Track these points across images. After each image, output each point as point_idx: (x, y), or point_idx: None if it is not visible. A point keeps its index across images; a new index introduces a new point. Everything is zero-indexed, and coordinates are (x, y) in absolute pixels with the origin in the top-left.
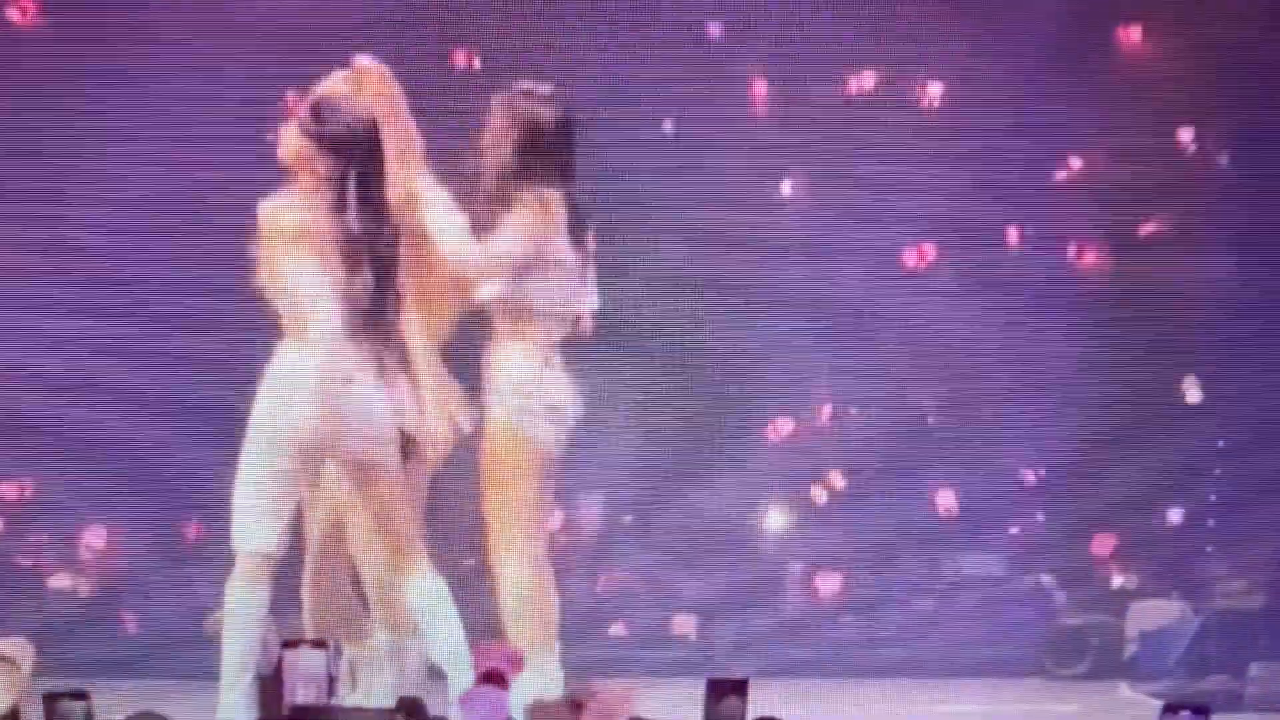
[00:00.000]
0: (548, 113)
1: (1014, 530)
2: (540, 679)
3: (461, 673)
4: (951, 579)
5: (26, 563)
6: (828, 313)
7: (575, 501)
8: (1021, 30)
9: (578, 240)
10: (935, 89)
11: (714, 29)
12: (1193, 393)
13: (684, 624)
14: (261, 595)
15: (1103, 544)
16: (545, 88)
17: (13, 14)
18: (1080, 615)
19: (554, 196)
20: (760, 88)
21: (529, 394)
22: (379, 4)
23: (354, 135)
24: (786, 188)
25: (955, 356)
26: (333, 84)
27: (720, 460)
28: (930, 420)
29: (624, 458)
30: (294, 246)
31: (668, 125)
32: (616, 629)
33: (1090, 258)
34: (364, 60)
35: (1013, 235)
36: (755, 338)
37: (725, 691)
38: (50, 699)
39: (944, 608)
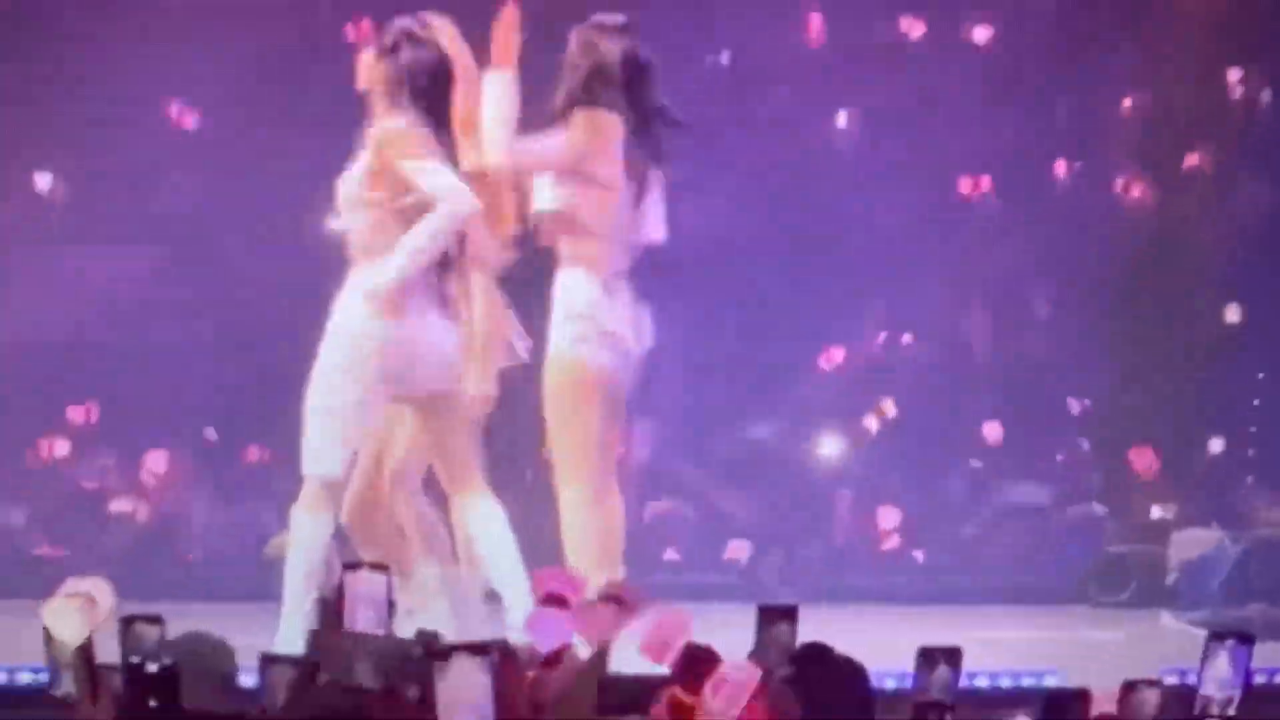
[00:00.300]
0: (616, 44)
1: (1058, 459)
2: None
3: (520, 598)
4: (998, 507)
5: (91, 486)
6: (881, 242)
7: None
8: None
9: (634, 169)
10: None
11: None
12: (1232, 317)
13: (737, 549)
14: (326, 520)
15: (1143, 459)
16: (616, 19)
17: None
18: (1123, 544)
19: (608, 120)
20: (816, 22)
21: (587, 319)
22: None
23: (425, 66)
24: (842, 119)
25: (1003, 287)
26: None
27: (775, 387)
28: (978, 351)
29: (678, 386)
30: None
31: (724, 57)
32: (670, 554)
33: (1135, 191)
34: (431, 16)
35: (1061, 169)
36: (807, 268)
37: (776, 618)
38: (126, 622)
39: (990, 535)
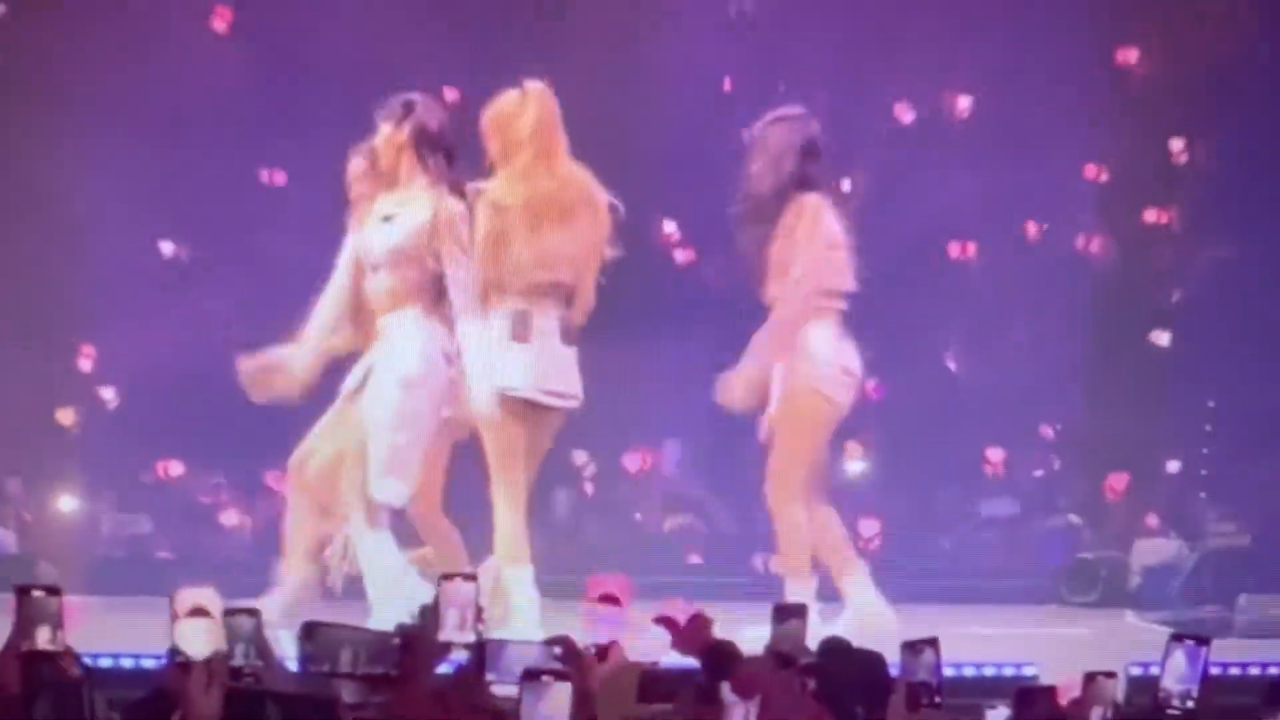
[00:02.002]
0: (811, 129)
1: (1036, 475)
2: (860, 601)
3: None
4: (980, 518)
5: (206, 500)
6: (884, 294)
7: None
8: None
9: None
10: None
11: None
12: (1181, 349)
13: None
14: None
15: (1116, 482)
16: (795, 110)
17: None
18: (1092, 550)
19: (813, 199)
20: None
21: (830, 361)
22: None
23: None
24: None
25: (983, 329)
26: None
27: None
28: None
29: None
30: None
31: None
32: (694, 558)
33: (1094, 246)
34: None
35: (1032, 229)
36: None
37: (788, 614)
38: (227, 614)
39: (973, 543)
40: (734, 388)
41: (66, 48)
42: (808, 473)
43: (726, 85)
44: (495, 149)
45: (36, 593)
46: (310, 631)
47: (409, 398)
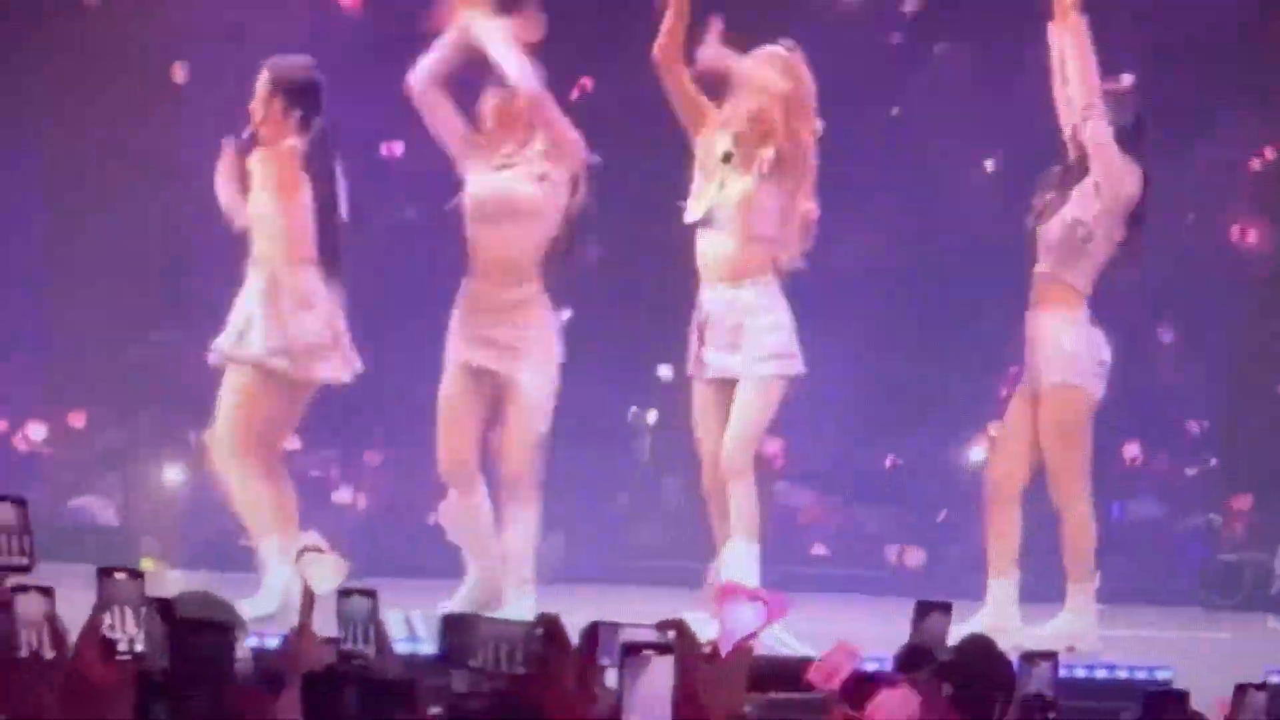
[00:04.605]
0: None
1: (1178, 473)
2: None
3: None
4: (1122, 517)
5: (317, 474)
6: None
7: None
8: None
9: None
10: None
11: None
12: None
13: (891, 550)
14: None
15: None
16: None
17: None
18: (1235, 552)
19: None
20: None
21: (1085, 355)
22: None
23: None
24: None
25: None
26: None
27: (923, 404)
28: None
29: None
30: None
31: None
32: (819, 549)
33: (1250, 237)
34: None
35: (1183, 217)
36: (959, 291)
37: (931, 611)
38: (343, 594)
39: (1108, 542)
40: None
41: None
42: (1084, 470)
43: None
44: None
45: (119, 575)
46: (453, 624)
47: None
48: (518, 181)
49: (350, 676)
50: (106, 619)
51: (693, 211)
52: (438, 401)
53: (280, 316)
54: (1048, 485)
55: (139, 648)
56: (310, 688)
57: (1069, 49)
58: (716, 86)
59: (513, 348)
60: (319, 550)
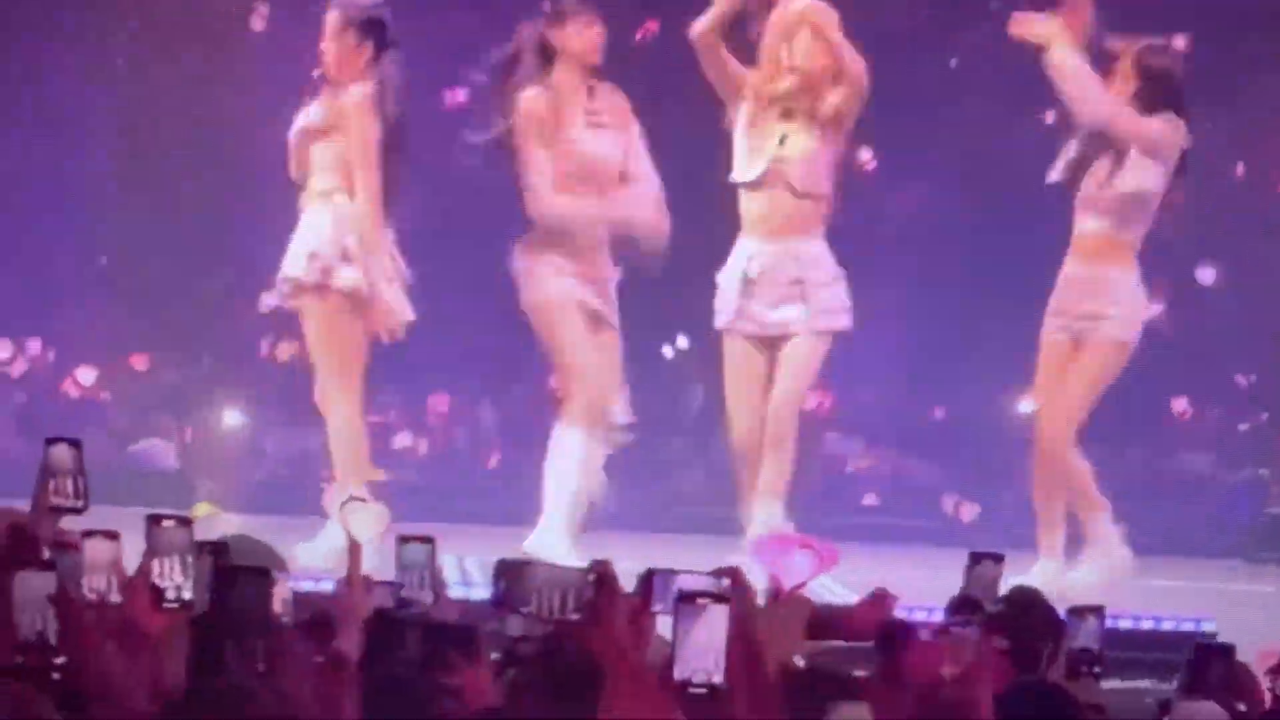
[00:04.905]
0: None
1: (1226, 427)
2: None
3: None
4: (1170, 470)
5: (377, 420)
6: None
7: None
8: None
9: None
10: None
11: None
12: None
13: (947, 502)
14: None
15: None
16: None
17: None
18: None
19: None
20: None
21: (1137, 312)
22: None
23: None
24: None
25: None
26: None
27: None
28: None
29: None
30: None
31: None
32: (870, 500)
33: None
34: None
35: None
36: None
37: (983, 561)
38: (401, 540)
39: (1155, 495)
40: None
41: None
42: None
43: None
44: None
45: (166, 523)
46: (507, 569)
47: None
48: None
49: (413, 621)
50: (155, 567)
51: (746, 170)
52: None
53: (341, 254)
54: (1036, 422)
55: (186, 595)
56: (373, 632)
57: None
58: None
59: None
60: (362, 500)
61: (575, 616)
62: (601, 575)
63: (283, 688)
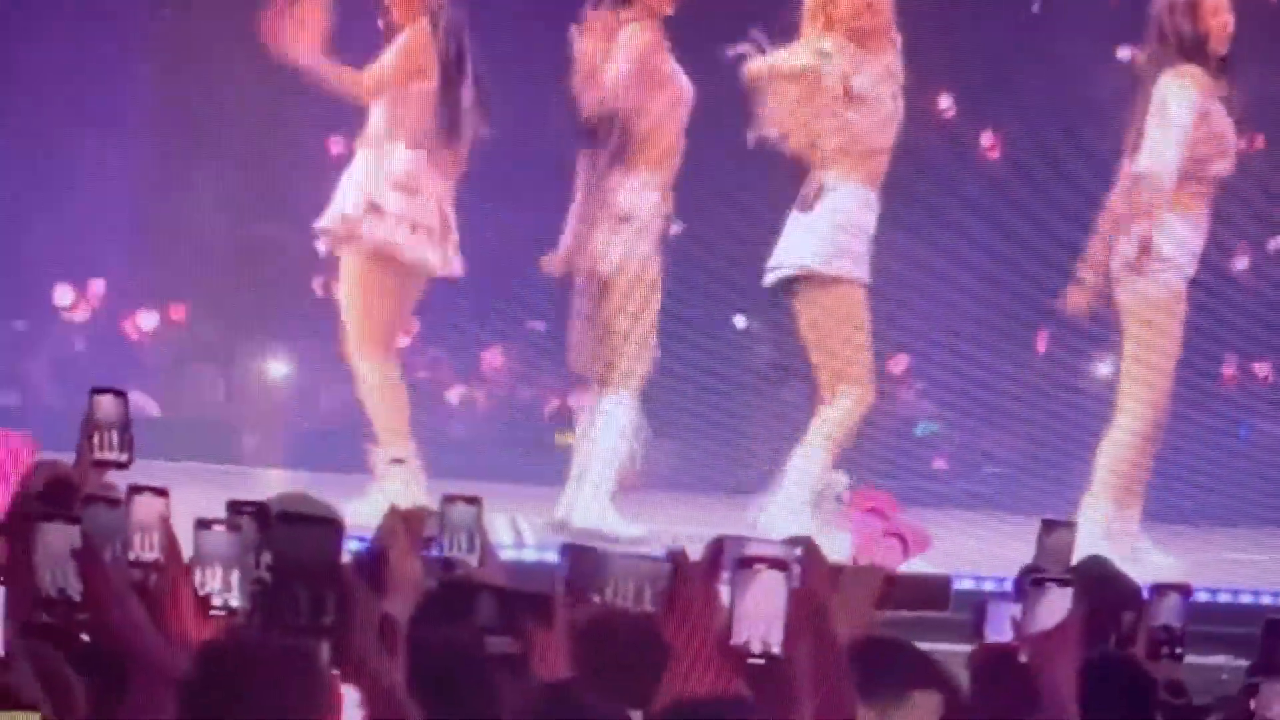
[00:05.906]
0: None
1: None
2: None
3: None
4: (1245, 438)
5: (425, 375)
6: None
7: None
8: None
9: None
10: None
11: None
12: None
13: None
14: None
15: None
16: None
17: None
18: None
19: None
20: None
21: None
22: None
23: None
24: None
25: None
26: None
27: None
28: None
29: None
30: None
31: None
32: (939, 464)
33: None
34: None
35: None
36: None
37: (1056, 528)
38: (446, 499)
39: (1229, 461)
40: None
41: None
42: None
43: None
44: None
45: (217, 528)
46: (578, 554)
47: None
48: None
49: (487, 585)
50: (198, 575)
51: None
52: None
53: (391, 199)
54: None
55: (234, 603)
56: (438, 596)
57: None
58: None
59: None
60: (401, 462)
61: (650, 610)
62: (678, 565)
63: (349, 641)
